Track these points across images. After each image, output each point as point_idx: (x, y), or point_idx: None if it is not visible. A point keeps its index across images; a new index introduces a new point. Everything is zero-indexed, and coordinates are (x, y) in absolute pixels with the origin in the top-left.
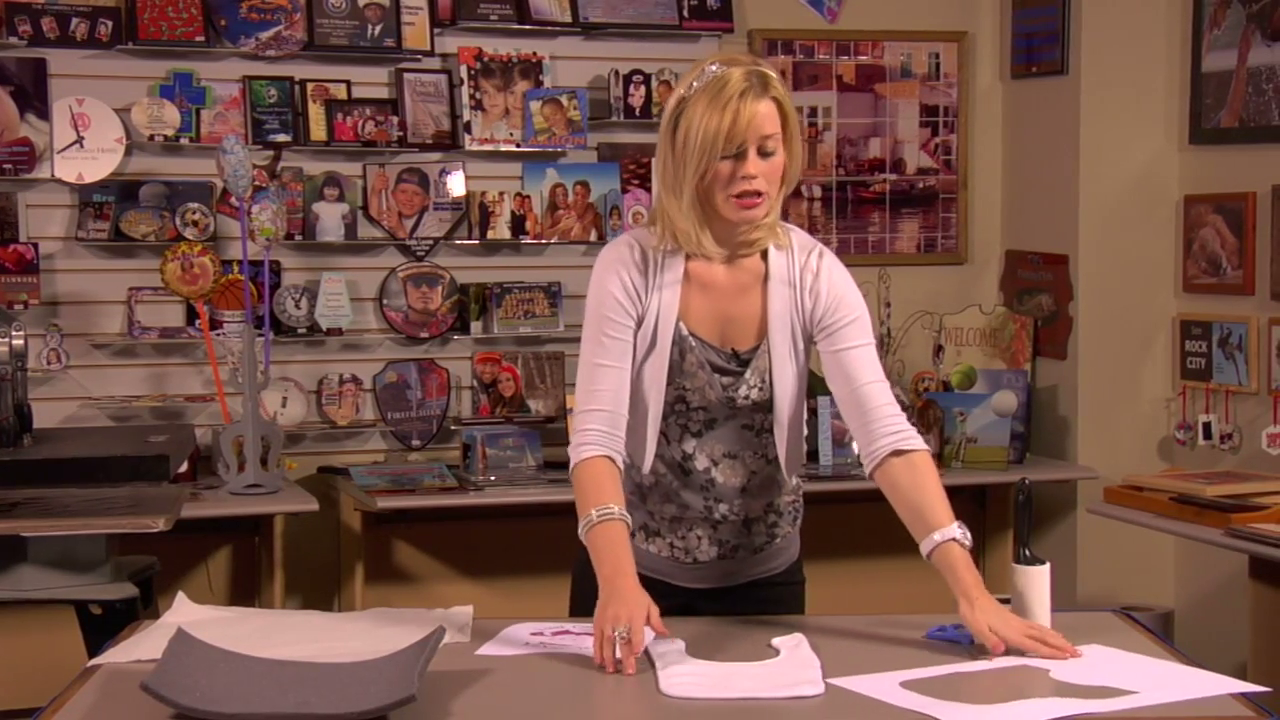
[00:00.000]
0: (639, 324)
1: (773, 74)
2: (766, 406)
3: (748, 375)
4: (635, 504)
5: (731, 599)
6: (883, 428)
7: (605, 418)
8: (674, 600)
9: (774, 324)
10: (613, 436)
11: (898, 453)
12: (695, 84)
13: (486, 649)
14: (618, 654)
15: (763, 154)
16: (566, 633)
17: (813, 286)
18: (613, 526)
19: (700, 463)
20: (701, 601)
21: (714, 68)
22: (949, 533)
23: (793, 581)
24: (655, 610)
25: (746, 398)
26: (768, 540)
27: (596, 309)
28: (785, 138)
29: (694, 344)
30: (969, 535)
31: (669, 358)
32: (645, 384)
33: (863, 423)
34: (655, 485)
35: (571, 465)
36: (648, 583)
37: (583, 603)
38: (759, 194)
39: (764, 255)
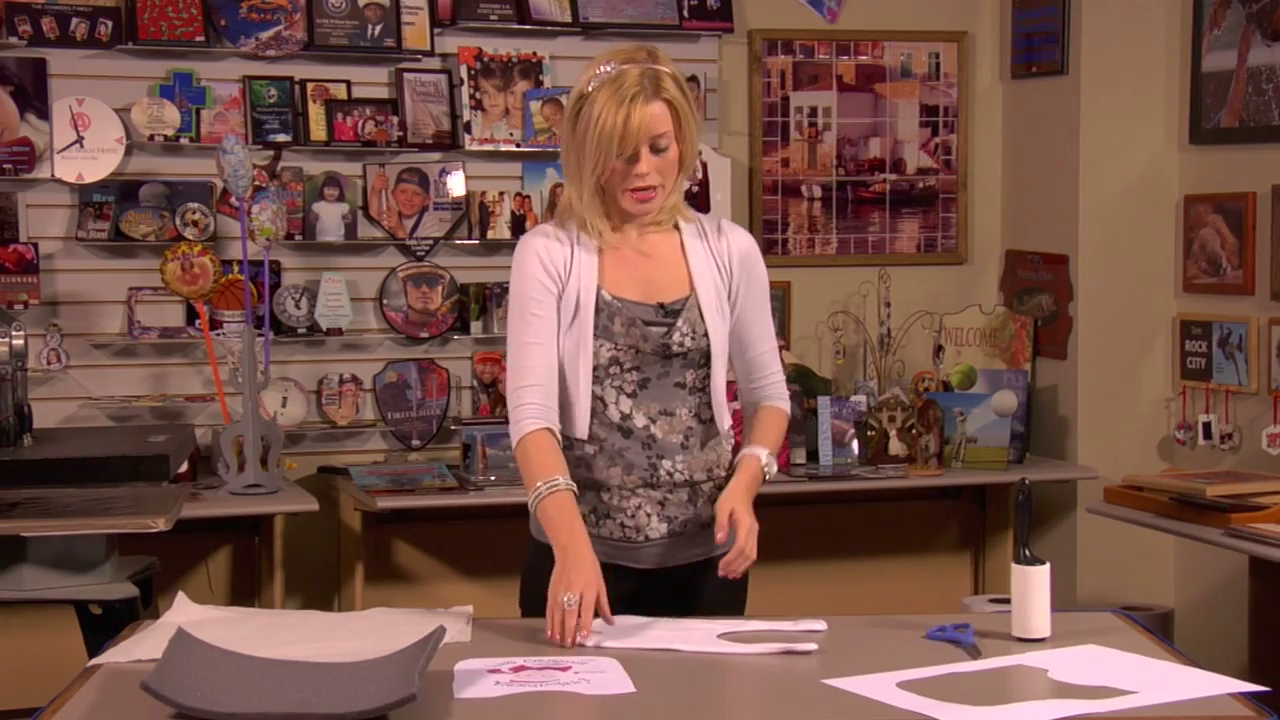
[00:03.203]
0: (560, 298)
1: (665, 70)
2: (698, 361)
3: (679, 324)
4: (583, 481)
5: (682, 582)
6: (765, 390)
7: (539, 392)
8: (627, 585)
9: (697, 275)
10: (548, 409)
11: (763, 406)
12: (593, 83)
13: (464, 694)
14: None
15: (655, 150)
16: (524, 668)
17: (727, 248)
18: (561, 496)
19: (639, 420)
20: (652, 586)
21: (608, 68)
22: (756, 450)
23: None
24: (604, 592)
25: (681, 344)
26: (714, 513)
27: (519, 290)
28: (679, 132)
29: (619, 305)
30: (774, 467)
31: (594, 323)
32: (573, 351)
33: (749, 384)
34: (600, 451)
35: (514, 441)
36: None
37: (532, 603)
38: (652, 188)
39: (675, 226)
